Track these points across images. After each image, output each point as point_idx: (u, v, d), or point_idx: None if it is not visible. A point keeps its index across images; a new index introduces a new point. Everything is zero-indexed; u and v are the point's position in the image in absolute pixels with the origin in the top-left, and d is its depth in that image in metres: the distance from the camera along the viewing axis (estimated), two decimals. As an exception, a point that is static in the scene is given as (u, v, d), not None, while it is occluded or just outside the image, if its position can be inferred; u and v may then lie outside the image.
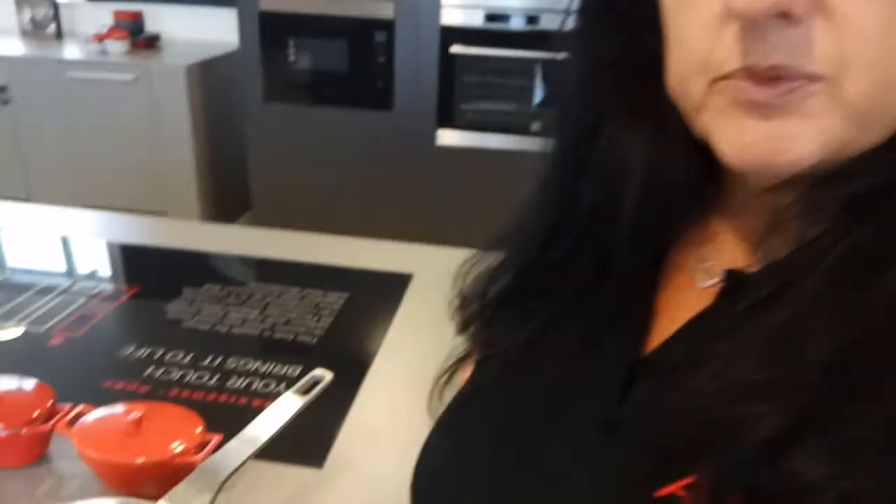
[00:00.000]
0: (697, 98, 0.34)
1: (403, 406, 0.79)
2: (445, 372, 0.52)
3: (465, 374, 0.51)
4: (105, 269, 1.06)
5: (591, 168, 0.42)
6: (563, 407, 0.40)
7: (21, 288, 0.98)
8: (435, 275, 1.06)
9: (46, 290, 0.97)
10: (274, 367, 0.83)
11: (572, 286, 0.43)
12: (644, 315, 0.40)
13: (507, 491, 0.40)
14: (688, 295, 0.40)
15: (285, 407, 0.61)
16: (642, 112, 0.39)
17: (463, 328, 0.52)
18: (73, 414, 0.66)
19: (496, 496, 0.40)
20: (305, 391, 0.63)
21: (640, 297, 0.41)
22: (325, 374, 0.65)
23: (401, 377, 0.84)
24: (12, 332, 0.87)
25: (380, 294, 1.01)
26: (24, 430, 0.64)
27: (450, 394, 0.51)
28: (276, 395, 0.77)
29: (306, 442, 0.71)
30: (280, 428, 0.60)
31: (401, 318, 0.95)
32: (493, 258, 0.51)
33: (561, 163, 0.44)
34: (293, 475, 0.68)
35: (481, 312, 0.50)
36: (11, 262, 1.07)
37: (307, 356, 0.85)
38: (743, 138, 0.32)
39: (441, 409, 0.50)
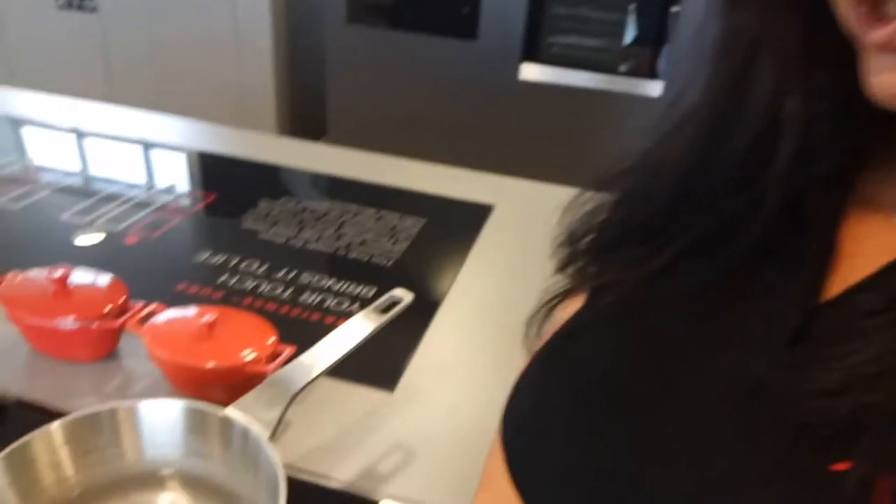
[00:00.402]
0: (844, 21, 0.31)
1: (477, 339, 0.76)
2: (544, 305, 0.47)
3: (567, 310, 0.46)
4: (183, 176, 1.04)
5: (752, 95, 0.35)
6: (693, 353, 0.35)
7: (99, 189, 0.97)
8: (517, 207, 1.02)
9: (124, 192, 0.96)
10: (348, 286, 0.80)
11: (720, 218, 0.37)
12: (820, 257, 0.34)
13: (610, 439, 0.35)
14: (881, 237, 0.33)
15: (362, 325, 0.58)
16: (809, 25, 0.34)
17: (567, 264, 0.47)
18: (145, 312, 0.64)
19: (597, 444, 0.36)
20: (384, 310, 0.59)
21: (814, 234, 0.35)
22: (404, 295, 0.60)
23: (476, 309, 0.79)
24: (93, 237, 0.86)
25: (458, 222, 0.96)
26: (94, 324, 0.63)
27: (549, 330, 0.46)
28: (349, 314, 0.74)
29: (378, 365, 0.68)
30: (355, 346, 0.57)
31: (479, 249, 0.90)
32: (602, 196, 0.45)
33: (711, 90, 0.38)
34: (363, 396, 0.65)
35: (593, 245, 0.45)
36: (90, 162, 1.06)
37: (382, 279, 0.82)
38: (873, 78, 0.30)
39: (538, 345, 0.45)
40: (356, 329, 0.57)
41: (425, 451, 0.60)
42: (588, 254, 0.45)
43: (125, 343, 0.67)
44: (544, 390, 0.41)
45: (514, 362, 0.65)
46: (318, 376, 0.54)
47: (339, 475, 0.57)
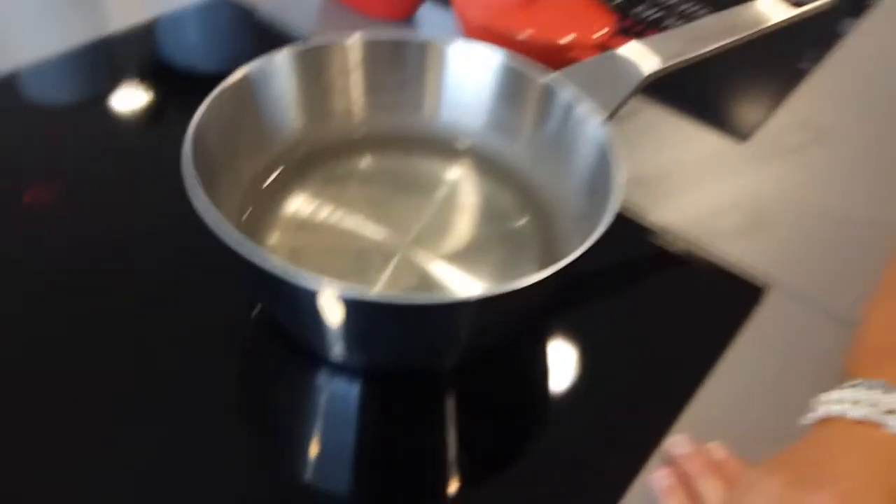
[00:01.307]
0: None
1: (864, 107, 0.55)
2: None
3: None
4: None
5: None
6: None
7: None
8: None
9: None
10: (697, 7, 0.61)
11: None
12: None
13: None
14: None
15: (753, 14, 0.40)
16: None
17: None
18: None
19: None
20: (794, 3, 0.40)
21: None
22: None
23: (868, 73, 0.58)
24: None
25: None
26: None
27: None
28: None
29: (735, 109, 0.51)
30: (716, 47, 0.39)
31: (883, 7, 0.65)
32: None
33: None
34: (709, 139, 0.49)
35: None
36: None
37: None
38: None
39: None
40: (744, 19, 0.40)
41: (768, 215, 0.44)
42: None
43: (427, 10, 0.56)
44: None
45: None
46: (678, 64, 0.38)
47: (659, 217, 0.43)
